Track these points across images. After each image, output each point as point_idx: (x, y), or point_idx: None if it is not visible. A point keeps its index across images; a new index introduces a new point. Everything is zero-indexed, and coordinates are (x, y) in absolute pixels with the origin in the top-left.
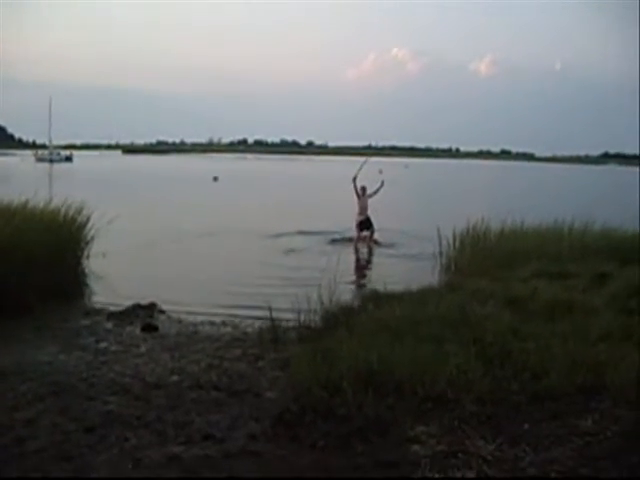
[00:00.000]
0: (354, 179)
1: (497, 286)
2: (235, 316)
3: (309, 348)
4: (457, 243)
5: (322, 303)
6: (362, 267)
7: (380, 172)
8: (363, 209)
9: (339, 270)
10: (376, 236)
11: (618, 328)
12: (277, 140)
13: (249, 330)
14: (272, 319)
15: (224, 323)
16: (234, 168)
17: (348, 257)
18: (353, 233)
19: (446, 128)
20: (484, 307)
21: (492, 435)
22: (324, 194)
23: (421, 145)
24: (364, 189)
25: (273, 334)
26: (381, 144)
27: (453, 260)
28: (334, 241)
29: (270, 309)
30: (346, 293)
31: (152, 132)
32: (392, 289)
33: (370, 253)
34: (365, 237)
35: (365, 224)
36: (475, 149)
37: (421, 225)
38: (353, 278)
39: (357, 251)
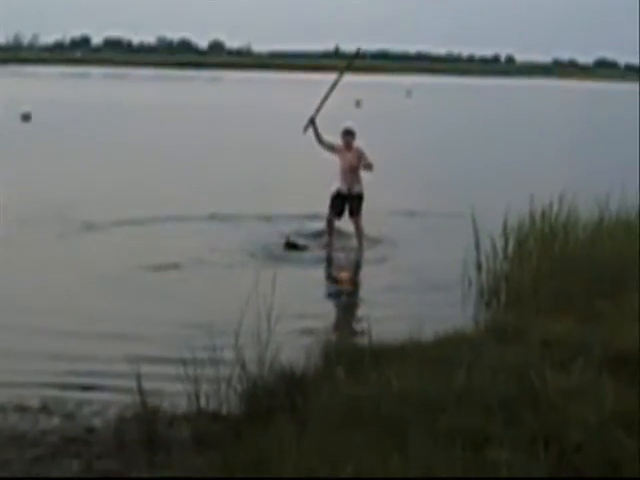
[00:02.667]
0: (311, 122)
1: (593, 331)
2: (65, 394)
3: (217, 461)
4: (510, 245)
5: (243, 367)
6: (333, 292)
7: (357, 105)
8: (347, 171)
9: (283, 298)
10: (365, 227)
11: None
12: (151, 40)
13: (97, 422)
14: (143, 400)
15: (45, 409)
16: (63, 96)
17: (305, 271)
18: (321, 221)
19: (483, 23)
20: (568, 376)
21: None
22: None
23: (437, 50)
24: (349, 134)
25: (146, 430)
26: (358, 47)
27: (502, 278)
28: (286, 239)
29: (139, 379)
30: (295, 344)
31: None
32: (387, 336)
33: (353, 260)
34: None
35: (347, 201)
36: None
37: (442, 208)
38: (311, 312)
39: (329, 257)
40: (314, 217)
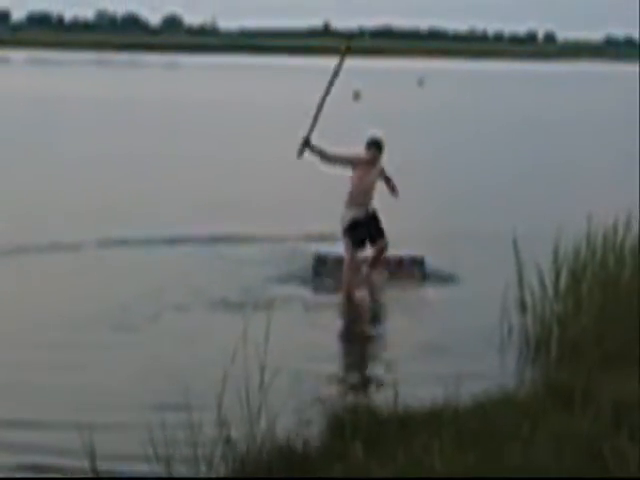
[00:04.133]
0: (305, 143)
1: None
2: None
3: None
4: (563, 279)
5: (228, 442)
6: (344, 342)
7: (356, 97)
8: (367, 192)
9: (279, 352)
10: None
11: None
12: (88, 15)
13: None
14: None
15: None
16: None
17: (304, 316)
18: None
19: None
20: None
21: None
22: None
23: (456, 27)
24: (377, 146)
25: None
26: (355, 24)
27: (554, 322)
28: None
29: (92, 460)
30: (295, 412)
31: None
32: (414, 399)
33: (373, 300)
34: (366, 262)
35: (367, 229)
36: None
37: (473, 228)
38: (316, 369)
39: (348, 298)
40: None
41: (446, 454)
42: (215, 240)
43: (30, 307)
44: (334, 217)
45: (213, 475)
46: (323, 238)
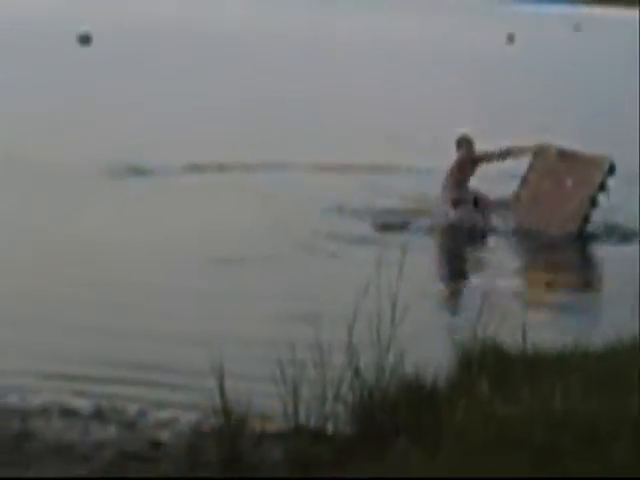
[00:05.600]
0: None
1: None
2: (124, 399)
3: None
4: None
5: (357, 373)
6: (473, 282)
7: (510, 40)
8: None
9: (409, 288)
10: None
11: None
12: None
13: (165, 436)
14: (225, 409)
15: (98, 416)
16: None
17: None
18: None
19: None
20: None
21: None
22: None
23: None
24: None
25: (228, 449)
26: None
27: None
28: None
29: (221, 382)
30: (423, 347)
31: None
32: (543, 342)
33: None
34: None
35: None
36: None
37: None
38: (445, 308)
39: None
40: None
41: (571, 396)
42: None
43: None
44: None
45: (340, 407)
46: None
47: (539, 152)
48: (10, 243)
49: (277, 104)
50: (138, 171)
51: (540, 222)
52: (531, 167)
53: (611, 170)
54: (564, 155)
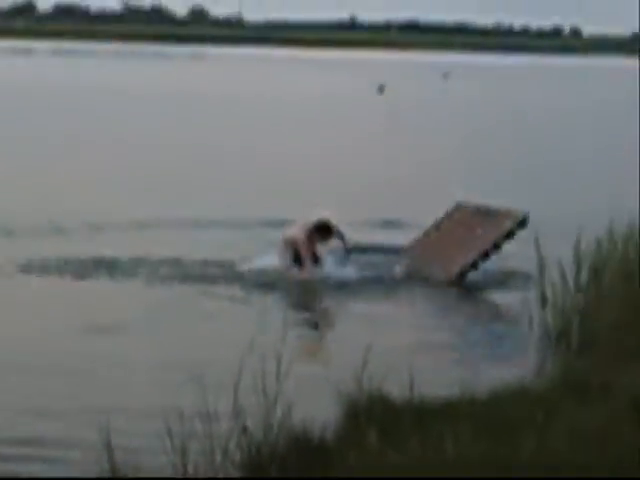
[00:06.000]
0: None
1: None
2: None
3: None
4: (584, 273)
5: (245, 430)
6: (357, 329)
7: (380, 90)
8: None
9: (294, 341)
10: None
11: None
12: (114, 6)
13: None
14: (113, 469)
15: None
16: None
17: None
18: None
19: None
20: None
21: None
22: None
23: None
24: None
25: None
26: (379, 18)
27: (575, 315)
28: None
29: (108, 443)
30: (311, 400)
31: None
32: (430, 389)
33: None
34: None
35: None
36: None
37: None
38: (331, 359)
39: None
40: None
41: (461, 442)
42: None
43: None
44: None
45: (229, 464)
46: None
47: (458, 207)
48: None
49: None
50: None
51: (427, 266)
52: (448, 216)
53: (523, 222)
54: (481, 209)
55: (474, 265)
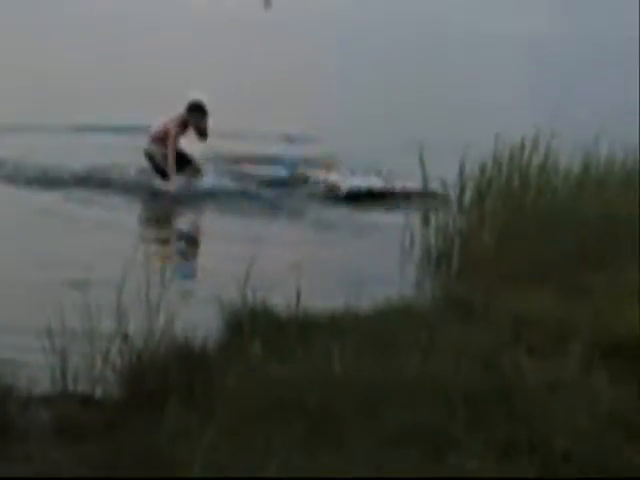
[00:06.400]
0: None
1: (579, 310)
2: None
3: (86, 455)
4: (467, 195)
5: (126, 338)
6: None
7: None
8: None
9: (180, 250)
10: None
11: None
12: None
13: None
14: None
15: None
16: None
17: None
18: None
19: None
20: (550, 365)
21: None
22: None
23: None
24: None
25: None
26: None
27: (456, 236)
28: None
29: None
30: (194, 310)
31: None
32: (313, 303)
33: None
34: None
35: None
36: None
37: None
38: (216, 269)
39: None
40: None
41: (345, 358)
42: None
43: None
44: None
45: (109, 370)
46: None
47: None
48: None
49: None
50: None
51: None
52: None
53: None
54: None
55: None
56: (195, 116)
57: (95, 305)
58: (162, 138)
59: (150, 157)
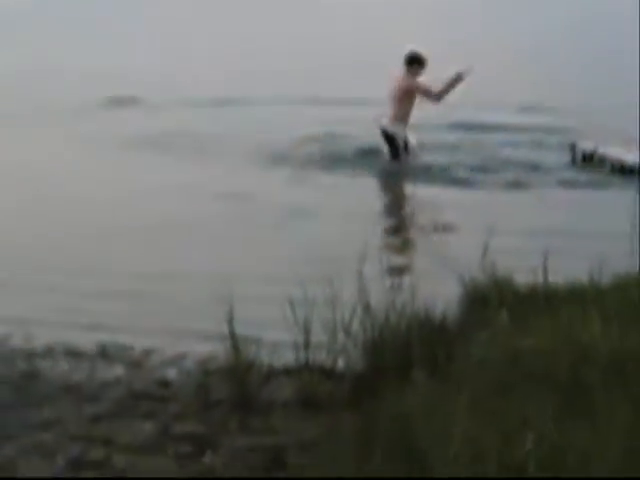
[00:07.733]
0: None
1: None
2: (128, 338)
3: (332, 427)
4: None
5: (367, 310)
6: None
7: None
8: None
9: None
10: None
11: None
12: None
13: (173, 375)
14: (235, 348)
15: (104, 355)
16: None
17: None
18: None
19: None
20: None
21: None
22: None
23: None
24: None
25: (238, 386)
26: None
27: None
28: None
29: (230, 321)
30: (436, 282)
31: None
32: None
33: None
34: None
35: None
36: None
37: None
38: (456, 242)
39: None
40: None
41: (592, 327)
42: None
43: None
44: None
45: (350, 343)
46: None
47: None
48: None
49: None
50: None
51: None
52: None
53: None
54: None
55: None
56: (414, 68)
57: (338, 277)
58: (403, 99)
59: (390, 138)
